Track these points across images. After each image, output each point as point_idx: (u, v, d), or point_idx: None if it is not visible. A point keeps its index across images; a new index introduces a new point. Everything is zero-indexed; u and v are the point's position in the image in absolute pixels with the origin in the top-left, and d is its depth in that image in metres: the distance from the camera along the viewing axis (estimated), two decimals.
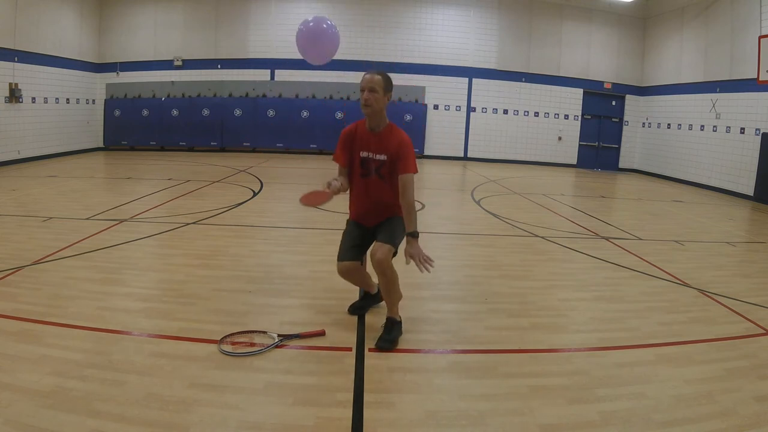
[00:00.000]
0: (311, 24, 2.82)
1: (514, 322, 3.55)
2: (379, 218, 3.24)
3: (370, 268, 3.47)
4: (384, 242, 3.05)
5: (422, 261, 2.89)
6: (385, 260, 2.99)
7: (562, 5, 15.04)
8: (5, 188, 7.84)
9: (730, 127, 11.72)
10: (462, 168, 13.84)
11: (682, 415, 2.47)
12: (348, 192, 3.28)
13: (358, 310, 3.51)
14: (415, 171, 3.06)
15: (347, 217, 3.43)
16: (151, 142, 14.76)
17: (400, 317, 3.21)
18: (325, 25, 2.83)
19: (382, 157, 3.10)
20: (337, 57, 14.68)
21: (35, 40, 11.54)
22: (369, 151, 3.13)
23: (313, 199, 3.01)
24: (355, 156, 3.16)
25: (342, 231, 3.39)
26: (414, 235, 2.96)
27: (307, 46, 2.86)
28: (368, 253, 3.18)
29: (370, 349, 3.02)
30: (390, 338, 3.08)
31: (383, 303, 3.52)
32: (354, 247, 3.24)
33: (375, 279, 3.61)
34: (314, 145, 14.96)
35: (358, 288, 3.97)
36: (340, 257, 3.24)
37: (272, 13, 14.73)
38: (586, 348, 3.20)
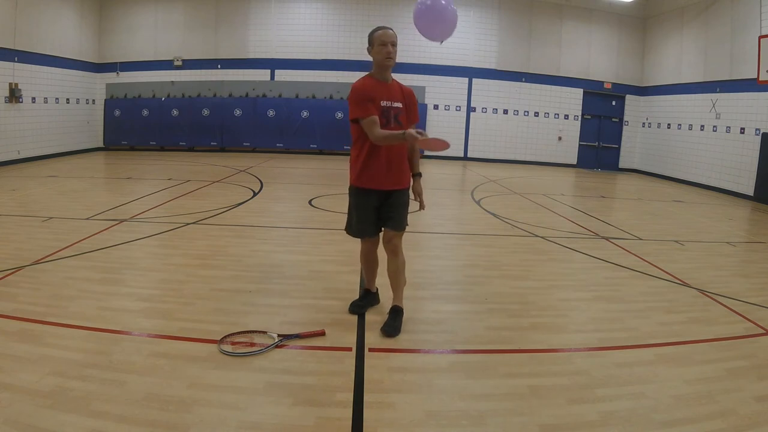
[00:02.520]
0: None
1: (514, 322, 3.55)
2: (394, 179, 3.23)
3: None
4: (398, 230, 3.27)
5: (423, 200, 3.41)
6: (400, 244, 3.31)
7: (562, 5, 15.04)
8: (5, 188, 7.84)
9: (730, 127, 11.72)
10: (462, 168, 13.84)
11: (682, 415, 2.47)
12: (357, 155, 3.25)
13: (359, 308, 3.53)
14: (419, 120, 3.42)
15: (350, 184, 3.36)
16: (151, 142, 14.76)
17: (402, 306, 3.38)
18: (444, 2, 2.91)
19: (399, 104, 3.22)
20: (336, 57, 14.78)
21: (35, 40, 11.54)
22: (388, 100, 3.18)
23: (436, 144, 2.97)
24: (376, 106, 3.14)
25: (348, 200, 3.39)
26: (420, 175, 3.42)
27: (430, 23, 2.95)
28: (383, 239, 3.33)
29: (370, 349, 3.02)
30: (396, 325, 3.23)
31: (381, 304, 3.64)
32: (372, 223, 3.32)
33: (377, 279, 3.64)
34: (314, 145, 14.96)
35: (357, 288, 3.97)
36: (365, 233, 3.35)
37: (272, 13, 14.73)
38: (586, 348, 3.20)
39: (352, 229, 3.40)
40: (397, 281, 3.36)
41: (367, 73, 3.25)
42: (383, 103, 3.15)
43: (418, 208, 3.46)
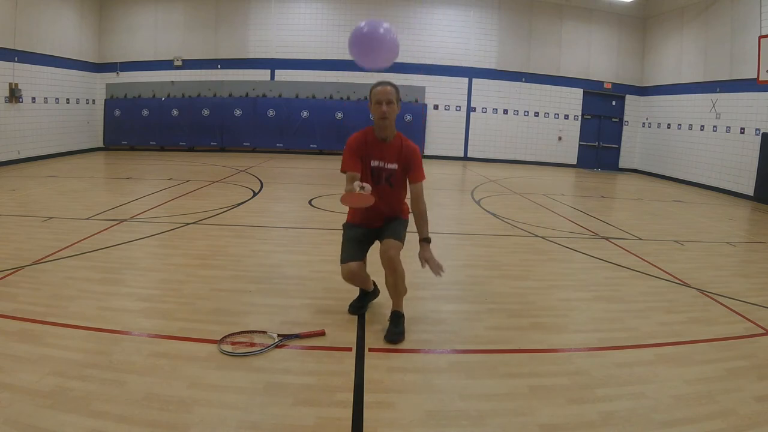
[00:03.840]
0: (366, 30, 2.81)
1: (514, 322, 3.55)
2: (384, 221, 3.30)
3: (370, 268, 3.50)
4: (394, 239, 3.16)
5: (435, 266, 3.06)
6: (397, 257, 3.11)
7: (562, 5, 15.04)
8: (5, 188, 7.84)
9: (730, 127, 11.72)
10: (462, 168, 13.84)
11: (682, 415, 2.47)
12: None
13: (359, 309, 3.52)
14: (425, 178, 3.25)
15: (344, 221, 3.43)
16: (151, 142, 14.76)
17: (403, 311, 3.28)
18: (382, 30, 2.82)
19: (393, 166, 3.17)
20: (336, 57, 14.82)
21: (35, 40, 11.54)
22: (381, 160, 3.16)
23: (356, 200, 2.82)
24: (366, 164, 3.16)
25: (342, 234, 3.38)
26: (428, 241, 3.14)
27: (363, 51, 2.85)
28: (379, 251, 3.19)
29: (370, 349, 3.02)
30: (399, 331, 3.16)
31: (378, 301, 3.62)
32: (359, 248, 3.27)
33: (374, 278, 3.63)
34: (314, 145, 14.97)
35: (357, 290, 3.96)
36: (347, 258, 3.21)
37: (272, 13, 14.73)
38: (586, 348, 3.20)
39: (342, 256, 3.26)
40: (396, 291, 3.22)
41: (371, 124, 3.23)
42: (374, 163, 3.15)
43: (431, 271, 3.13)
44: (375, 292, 3.65)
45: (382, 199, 3.17)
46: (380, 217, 3.28)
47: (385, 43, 2.75)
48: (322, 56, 14.78)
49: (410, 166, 3.20)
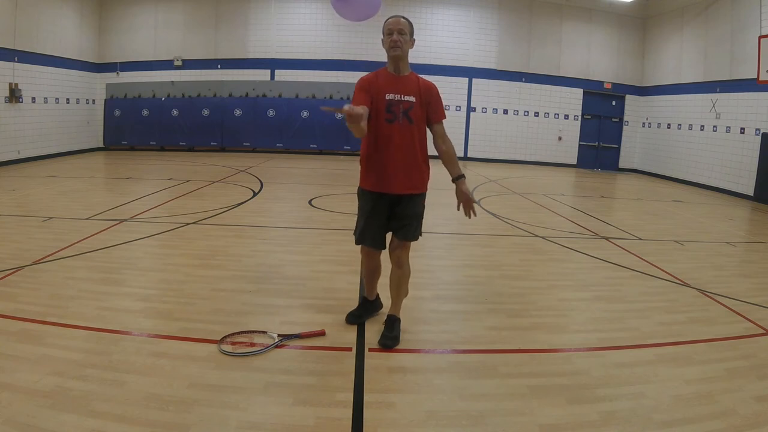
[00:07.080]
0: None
1: (514, 322, 3.55)
2: (405, 181, 2.99)
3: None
4: (406, 240, 3.06)
5: (471, 204, 2.99)
6: (405, 256, 3.08)
7: (562, 5, 15.04)
8: (5, 188, 7.84)
9: (730, 127, 11.72)
10: (462, 168, 13.82)
11: (682, 415, 2.47)
12: (364, 153, 3.04)
13: (357, 318, 3.38)
14: (445, 117, 3.13)
15: (359, 186, 3.15)
16: (151, 142, 14.76)
17: (400, 316, 3.22)
18: None
19: (411, 98, 2.95)
20: (335, 57, 14.76)
21: (35, 40, 11.54)
22: (397, 93, 2.93)
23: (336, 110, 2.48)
24: (380, 101, 2.90)
25: (357, 203, 3.19)
26: (463, 177, 3.06)
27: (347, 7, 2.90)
28: (389, 246, 3.12)
29: (370, 349, 3.01)
30: (393, 336, 3.09)
31: (381, 311, 3.50)
32: (381, 230, 3.08)
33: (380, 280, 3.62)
34: (314, 145, 14.96)
35: (357, 287, 3.97)
36: (370, 243, 3.09)
37: (272, 13, 14.73)
38: (586, 348, 3.20)
39: (355, 234, 3.16)
40: (397, 291, 3.15)
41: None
42: (389, 96, 2.90)
43: (464, 214, 3.05)
44: (376, 305, 3.49)
45: (399, 140, 2.93)
46: (399, 171, 2.95)
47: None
48: (322, 56, 14.77)
49: (431, 101, 3.01)
